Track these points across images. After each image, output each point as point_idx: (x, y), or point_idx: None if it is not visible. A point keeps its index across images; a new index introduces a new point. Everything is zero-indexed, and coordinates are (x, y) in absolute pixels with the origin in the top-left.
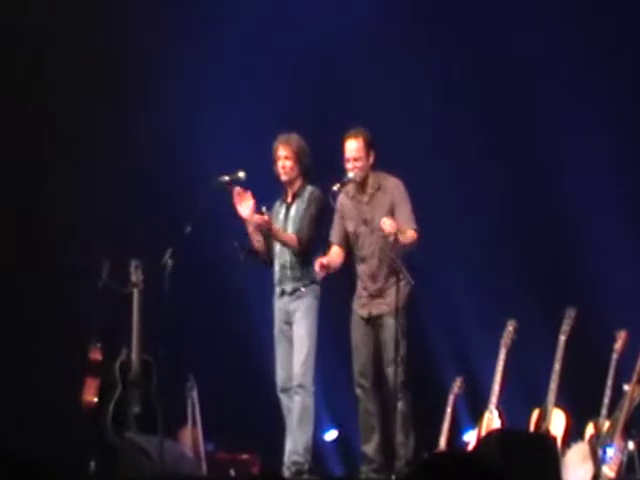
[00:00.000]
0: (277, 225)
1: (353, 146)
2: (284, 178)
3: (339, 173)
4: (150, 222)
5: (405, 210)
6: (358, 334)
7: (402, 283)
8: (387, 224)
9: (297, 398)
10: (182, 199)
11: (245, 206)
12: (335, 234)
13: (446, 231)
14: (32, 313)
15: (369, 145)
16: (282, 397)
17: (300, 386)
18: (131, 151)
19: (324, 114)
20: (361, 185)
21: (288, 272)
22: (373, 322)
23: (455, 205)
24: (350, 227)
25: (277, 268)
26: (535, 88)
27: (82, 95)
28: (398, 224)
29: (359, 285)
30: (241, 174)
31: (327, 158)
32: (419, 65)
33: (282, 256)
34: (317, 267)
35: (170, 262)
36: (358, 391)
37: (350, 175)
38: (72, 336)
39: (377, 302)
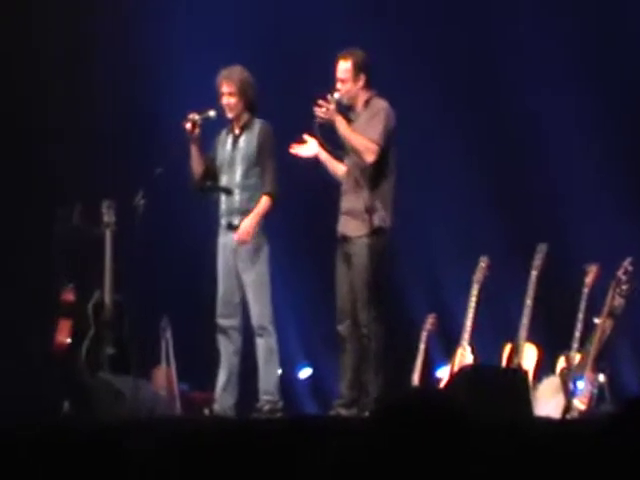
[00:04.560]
0: (222, 156)
1: (341, 67)
2: (230, 115)
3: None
4: (122, 163)
5: (373, 125)
6: (339, 269)
7: (374, 216)
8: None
9: (260, 341)
10: (154, 139)
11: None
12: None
13: (418, 168)
14: (3, 255)
15: (358, 67)
16: (221, 338)
17: (261, 328)
18: (101, 92)
19: (297, 48)
20: (352, 107)
21: (236, 205)
22: (348, 253)
23: (427, 143)
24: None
25: (223, 199)
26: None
27: (56, 42)
28: (361, 133)
29: None
30: (212, 113)
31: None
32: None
33: (229, 187)
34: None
35: (142, 203)
36: (339, 328)
37: (335, 96)
38: (44, 278)
39: (347, 220)
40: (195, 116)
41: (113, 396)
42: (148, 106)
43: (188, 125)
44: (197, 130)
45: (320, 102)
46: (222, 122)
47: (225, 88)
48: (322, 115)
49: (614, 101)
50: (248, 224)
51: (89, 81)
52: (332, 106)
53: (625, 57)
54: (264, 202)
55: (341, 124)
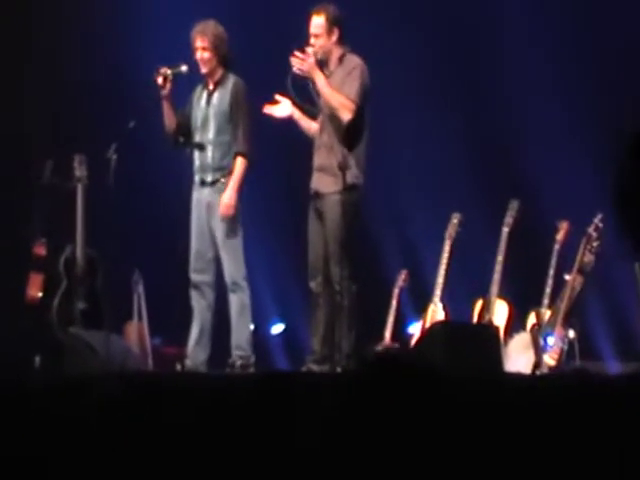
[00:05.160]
0: (197, 112)
1: (314, 22)
2: (204, 70)
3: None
4: (94, 117)
5: (349, 82)
6: (312, 226)
7: (346, 173)
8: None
9: (233, 296)
10: (126, 93)
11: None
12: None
13: (392, 125)
14: None
15: (331, 22)
16: (194, 294)
17: (234, 284)
18: (74, 46)
19: (272, 3)
20: (325, 62)
21: (209, 161)
22: (320, 210)
23: (401, 99)
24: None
25: (197, 155)
26: None
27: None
28: (337, 90)
29: None
30: (183, 67)
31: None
32: None
33: (202, 143)
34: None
35: (114, 157)
36: (311, 284)
37: (309, 51)
38: (16, 231)
39: (319, 177)
40: (167, 70)
41: (85, 351)
42: (121, 59)
43: (160, 80)
44: (168, 85)
45: (297, 53)
46: (199, 78)
47: (199, 43)
48: (300, 67)
49: (587, 61)
50: (229, 196)
51: (62, 35)
52: (311, 59)
53: (601, 14)
54: (239, 165)
55: (320, 79)
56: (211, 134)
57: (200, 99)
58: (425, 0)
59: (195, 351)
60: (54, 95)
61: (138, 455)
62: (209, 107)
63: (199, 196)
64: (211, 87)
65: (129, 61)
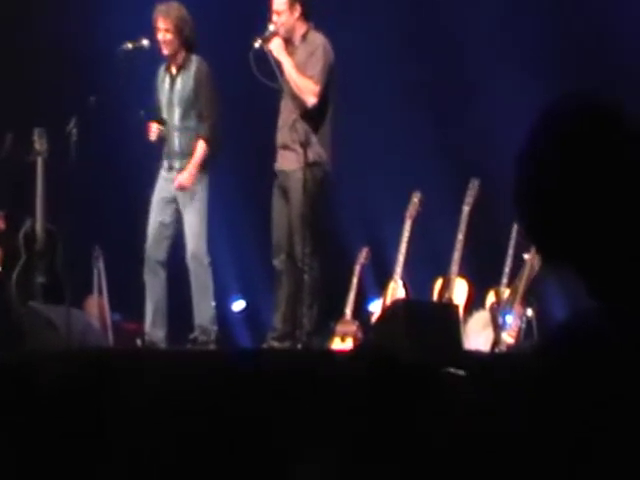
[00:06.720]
0: (163, 95)
1: None
2: (165, 52)
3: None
4: (54, 90)
5: (313, 63)
6: (276, 203)
7: (308, 150)
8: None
9: (195, 273)
10: (86, 67)
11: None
12: None
13: (353, 102)
14: None
15: None
16: (147, 270)
17: (196, 260)
18: (34, 18)
19: None
20: (288, 40)
21: (176, 148)
22: (284, 187)
23: (363, 78)
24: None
25: (167, 140)
26: None
27: None
28: (300, 68)
29: None
30: (145, 42)
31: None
32: None
33: (169, 130)
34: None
35: (75, 131)
36: (274, 262)
37: (270, 28)
38: None
39: (282, 154)
40: (128, 45)
41: (45, 326)
42: (82, 33)
43: (153, 136)
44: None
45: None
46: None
47: (161, 24)
48: (268, 47)
49: (552, 44)
50: (186, 178)
51: (21, 6)
52: (279, 40)
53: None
54: (200, 149)
55: (286, 62)
56: (176, 120)
57: (164, 82)
58: None
59: (153, 331)
60: (14, 67)
61: (95, 433)
62: (172, 93)
63: (167, 176)
64: (174, 71)
65: (92, 34)
